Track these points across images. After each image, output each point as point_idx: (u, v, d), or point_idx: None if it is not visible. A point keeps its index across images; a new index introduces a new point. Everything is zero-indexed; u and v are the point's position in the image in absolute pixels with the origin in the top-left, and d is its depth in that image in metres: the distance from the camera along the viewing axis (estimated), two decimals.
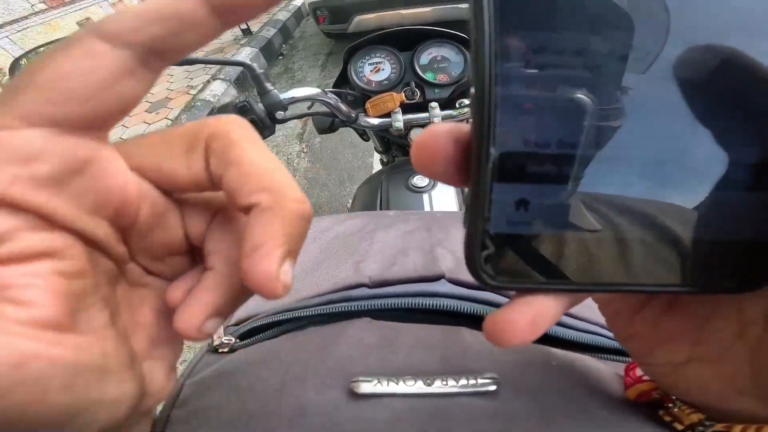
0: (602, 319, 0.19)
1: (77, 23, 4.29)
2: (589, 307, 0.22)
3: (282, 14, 4.70)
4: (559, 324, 0.28)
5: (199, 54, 3.86)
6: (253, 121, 0.57)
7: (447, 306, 0.27)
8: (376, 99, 0.73)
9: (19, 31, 3.70)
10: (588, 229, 0.12)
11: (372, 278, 0.32)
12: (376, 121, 0.75)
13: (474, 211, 0.12)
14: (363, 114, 0.76)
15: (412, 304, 0.28)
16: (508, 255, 0.12)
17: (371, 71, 0.80)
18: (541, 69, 0.11)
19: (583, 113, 0.11)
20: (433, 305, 0.27)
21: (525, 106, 0.11)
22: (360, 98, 0.80)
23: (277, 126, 0.65)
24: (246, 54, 3.57)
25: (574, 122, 0.11)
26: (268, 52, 3.89)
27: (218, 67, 3.34)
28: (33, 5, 3.90)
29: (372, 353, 0.24)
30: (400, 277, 0.31)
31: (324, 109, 0.70)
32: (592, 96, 0.11)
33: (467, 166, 0.12)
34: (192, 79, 3.23)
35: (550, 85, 0.11)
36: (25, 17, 3.80)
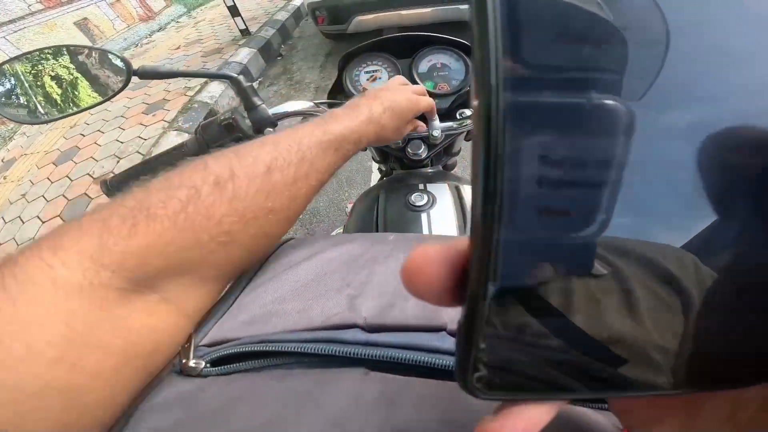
0: None
1: (74, 23, 4.28)
2: None
3: (281, 14, 4.68)
4: None
5: (194, 55, 3.86)
6: (239, 140, 0.54)
7: (450, 366, 0.25)
8: None
9: (15, 32, 3.68)
10: (582, 353, 0.12)
11: (367, 320, 0.29)
12: None
13: (468, 339, 0.12)
14: None
15: (412, 360, 0.26)
16: (501, 377, 0.12)
17: (368, 80, 0.76)
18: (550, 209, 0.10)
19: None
20: (434, 363, 0.25)
21: (526, 244, 0.11)
22: None
23: None
24: (244, 55, 3.56)
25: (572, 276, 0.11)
26: (267, 52, 3.87)
27: (216, 68, 3.32)
28: (30, 5, 3.88)
29: (371, 412, 0.23)
30: (398, 324, 0.29)
31: None
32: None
33: (462, 294, 0.11)
34: (189, 80, 3.21)
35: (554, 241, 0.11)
36: (22, 17, 3.78)
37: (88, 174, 2.36)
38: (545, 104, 0.09)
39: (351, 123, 0.44)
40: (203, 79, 3.14)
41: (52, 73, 0.60)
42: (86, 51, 0.62)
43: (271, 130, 0.58)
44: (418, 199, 0.67)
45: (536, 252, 0.11)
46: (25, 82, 0.58)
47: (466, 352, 0.12)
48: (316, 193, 0.41)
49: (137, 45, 4.83)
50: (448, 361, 0.25)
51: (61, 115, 0.60)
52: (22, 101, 0.59)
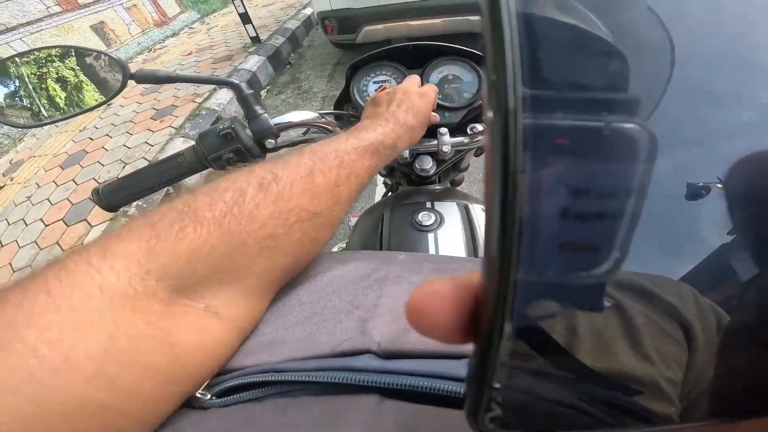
0: None
1: (91, 27, 4.35)
2: None
3: (291, 23, 4.72)
4: None
5: (205, 61, 3.90)
6: (239, 151, 0.52)
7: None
8: None
9: (33, 33, 3.73)
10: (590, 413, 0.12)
11: (381, 345, 0.28)
12: None
13: (481, 380, 0.11)
14: None
15: (436, 389, 0.24)
16: (516, 416, 0.12)
17: (376, 90, 0.71)
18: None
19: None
20: (455, 392, 0.24)
21: (541, 292, 0.10)
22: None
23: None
24: (253, 62, 3.58)
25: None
26: (276, 60, 3.89)
27: (225, 75, 3.34)
28: (48, 7, 3.94)
29: None
30: (416, 350, 0.27)
31: (321, 135, 0.63)
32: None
33: (472, 332, 0.11)
34: (198, 86, 3.23)
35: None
36: (40, 19, 3.84)
37: (93, 178, 2.36)
38: (567, 128, 0.09)
39: (384, 129, 0.45)
40: (210, 86, 3.16)
41: (48, 75, 0.58)
42: (83, 53, 0.60)
43: (272, 141, 0.55)
44: (425, 218, 0.64)
45: (556, 291, 0.10)
46: (17, 84, 0.57)
47: (479, 393, 0.11)
48: (356, 197, 0.41)
49: (150, 50, 4.89)
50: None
51: (52, 119, 0.59)
52: (16, 103, 0.57)
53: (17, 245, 2.09)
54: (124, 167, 2.39)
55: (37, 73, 0.58)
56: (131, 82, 0.54)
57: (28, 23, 3.72)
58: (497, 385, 0.11)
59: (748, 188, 0.09)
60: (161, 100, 3.11)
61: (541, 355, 0.11)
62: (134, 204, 2.05)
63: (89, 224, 2.04)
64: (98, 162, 2.51)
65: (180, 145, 2.47)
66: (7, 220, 2.31)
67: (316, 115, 0.61)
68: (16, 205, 2.41)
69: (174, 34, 5.39)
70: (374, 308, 0.32)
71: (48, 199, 2.33)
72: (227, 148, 0.52)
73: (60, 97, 0.59)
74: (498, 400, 0.11)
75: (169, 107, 3.00)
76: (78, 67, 0.59)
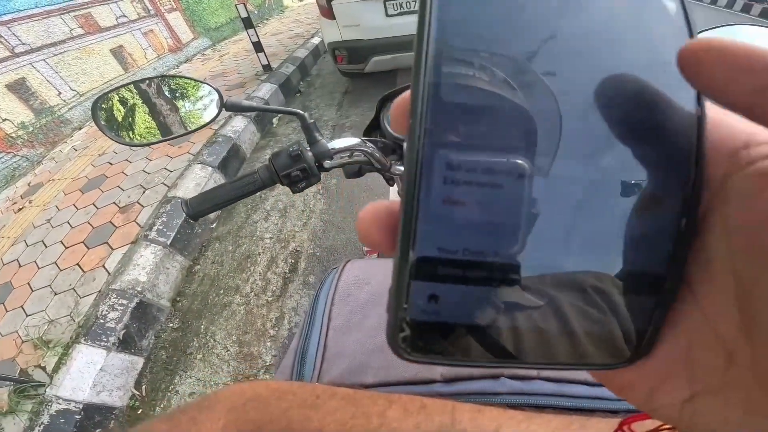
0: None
1: (110, 50, 4.48)
2: None
3: (300, 51, 4.90)
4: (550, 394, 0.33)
5: (219, 87, 3.94)
6: (303, 170, 0.61)
7: (513, 401, 0.31)
8: None
9: (55, 55, 3.81)
10: (491, 323, 0.14)
11: (443, 375, 0.35)
12: None
13: (395, 299, 0.13)
14: (396, 162, 0.78)
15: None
16: (421, 338, 0.14)
17: None
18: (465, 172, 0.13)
19: (497, 224, 0.13)
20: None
21: (449, 216, 0.13)
22: (390, 146, 0.81)
23: None
24: (266, 90, 3.72)
25: (494, 233, 0.13)
26: (287, 88, 4.04)
27: None
28: (72, 29, 4.04)
29: None
30: (467, 375, 0.35)
31: (361, 158, 0.72)
32: (511, 204, 0.13)
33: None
34: None
35: (474, 201, 0.13)
36: (63, 41, 3.92)
37: (113, 203, 2.44)
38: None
39: None
40: (240, 114, 3.28)
41: (156, 101, 0.69)
42: (183, 81, 0.70)
43: (329, 162, 0.65)
44: None
45: (447, 231, 0.13)
46: (130, 108, 0.67)
47: (394, 311, 0.13)
48: None
49: None
50: (511, 399, 0.31)
51: (156, 140, 0.68)
52: (125, 124, 0.67)
53: (36, 266, 2.15)
54: (144, 192, 2.47)
55: (151, 98, 0.68)
56: None
57: (52, 44, 3.80)
58: (406, 306, 0.13)
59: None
60: None
61: (441, 283, 0.13)
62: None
63: (110, 247, 2.11)
64: (118, 186, 2.60)
65: (198, 171, 2.57)
66: (25, 241, 2.37)
67: (359, 140, 0.71)
68: (35, 227, 2.47)
69: (187, 60, 5.56)
70: None
71: (68, 222, 2.39)
72: (295, 167, 0.61)
73: (166, 120, 0.69)
74: (407, 319, 0.13)
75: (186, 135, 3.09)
76: (174, 94, 0.70)
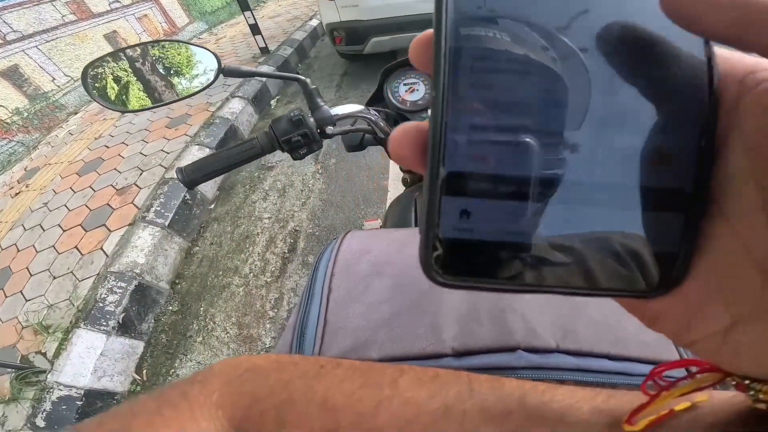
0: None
1: (104, 36, 4.43)
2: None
3: (298, 34, 4.81)
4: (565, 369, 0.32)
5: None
6: (305, 135, 0.60)
7: (531, 377, 0.30)
8: None
9: (48, 41, 3.79)
10: (524, 242, 0.14)
11: (455, 348, 0.34)
12: None
13: (427, 217, 0.13)
14: None
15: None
16: (455, 257, 0.14)
17: (406, 91, 0.82)
18: (492, 98, 0.13)
19: (528, 138, 0.13)
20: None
21: (475, 130, 0.13)
22: (393, 117, 0.82)
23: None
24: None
25: (520, 147, 0.13)
26: (285, 71, 3.95)
27: (237, 84, 3.42)
28: (63, 16, 4.01)
29: None
30: (479, 348, 0.34)
31: (364, 125, 0.72)
32: (538, 121, 0.13)
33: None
34: (211, 96, 3.30)
35: (499, 112, 0.13)
36: (55, 27, 3.90)
37: (111, 185, 2.42)
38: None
39: None
40: (228, 91, 3.23)
41: (148, 67, 0.66)
42: (181, 46, 0.68)
43: (332, 128, 0.63)
44: None
45: (478, 143, 0.13)
46: (125, 74, 0.64)
47: (426, 229, 0.13)
48: None
49: None
50: (527, 374, 0.30)
51: (151, 106, 0.66)
52: (118, 90, 0.64)
53: (34, 250, 2.13)
54: (141, 174, 2.44)
55: (143, 63, 0.65)
56: None
57: (44, 31, 3.79)
58: (438, 223, 0.13)
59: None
60: (175, 109, 3.17)
61: (472, 198, 0.13)
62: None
63: (108, 229, 2.09)
64: (115, 169, 2.57)
65: (196, 152, 2.54)
66: (23, 225, 2.36)
67: (363, 107, 0.70)
68: (32, 211, 2.45)
69: None
70: (438, 310, 0.38)
71: (65, 205, 2.37)
72: (296, 132, 0.60)
73: (161, 85, 0.66)
74: (440, 237, 0.13)
75: (183, 116, 3.06)
76: (172, 60, 0.67)
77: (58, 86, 3.84)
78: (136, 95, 0.65)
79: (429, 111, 0.15)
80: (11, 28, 3.49)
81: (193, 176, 0.60)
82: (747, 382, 0.15)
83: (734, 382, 0.15)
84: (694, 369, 0.16)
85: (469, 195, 0.13)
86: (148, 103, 0.66)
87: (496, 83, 0.13)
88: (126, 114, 3.03)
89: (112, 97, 0.64)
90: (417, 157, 0.14)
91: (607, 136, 0.13)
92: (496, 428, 0.21)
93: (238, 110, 3.04)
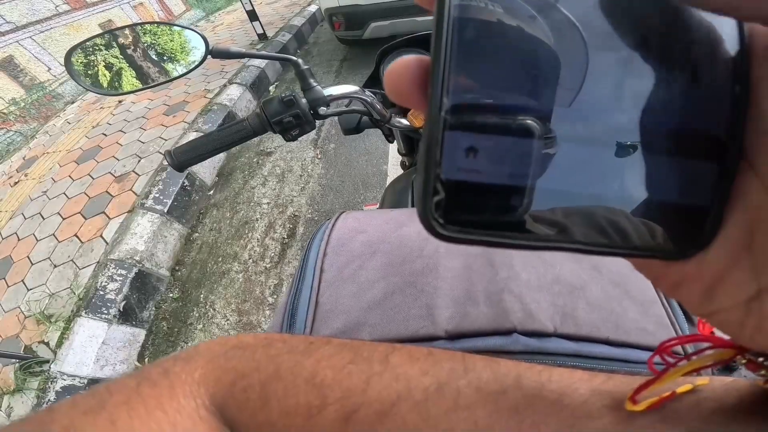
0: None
1: (99, 25, 4.38)
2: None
3: (297, 20, 4.74)
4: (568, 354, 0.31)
5: (214, 60, 3.89)
6: (297, 116, 0.58)
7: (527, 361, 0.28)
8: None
9: (42, 32, 3.77)
10: (536, 188, 0.12)
11: (448, 331, 0.33)
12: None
13: (427, 155, 0.12)
14: (396, 114, 0.75)
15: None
16: (457, 203, 0.12)
17: None
18: (495, 24, 0.12)
19: (536, 70, 0.12)
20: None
21: (481, 59, 0.12)
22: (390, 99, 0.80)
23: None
24: (261, 59, 3.60)
25: (528, 79, 0.12)
26: None
27: (235, 71, 3.38)
28: (57, 6, 3.97)
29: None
30: (474, 330, 0.33)
31: (360, 107, 0.70)
32: (544, 51, 0.12)
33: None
34: (209, 83, 3.27)
35: (505, 41, 0.12)
36: (49, 18, 3.87)
37: (109, 172, 2.40)
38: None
39: None
40: (226, 78, 3.20)
41: (133, 49, 0.64)
42: (167, 27, 0.66)
43: (324, 109, 0.62)
44: None
45: (484, 71, 0.12)
46: (110, 57, 0.62)
47: (426, 169, 0.12)
48: None
49: None
50: (519, 359, 0.28)
51: (138, 88, 0.64)
52: (104, 74, 0.63)
53: (35, 238, 2.13)
54: (139, 161, 2.43)
55: (128, 46, 0.63)
56: None
57: (38, 22, 3.75)
58: (440, 160, 0.12)
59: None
60: (172, 96, 3.14)
61: (477, 130, 0.12)
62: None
63: (107, 216, 2.08)
64: (113, 157, 2.55)
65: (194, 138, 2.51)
66: (23, 214, 2.36)
67: (358, 88, 0.67)
68: (32, 200, 2.45)
69: None
70: (434, 291, 0.36)
71: (64, 193, 2.36)
72: (288, 113, 0.58)
73: (146, 67, 0.64)
74: (442, 178, 0.12)
75: (181, 103, 3.03)
76: (158, 41, 0.65)
77: (54, 76, 3.82)
78: (121, 78, 0.63)
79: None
80: (4, 19, 3.48)
81: (182, 158, 0.58)
82: (761, 360, 0.14)
83: (744, 361, 0.15)
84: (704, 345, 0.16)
85: (476, 131, 0.12)
86: (133, 85, 0.64)
87: (514, 8, 0.12)
88: (114, 97, 3.00)
89: (97, 80, 0.62)
90: (417, 92, 0.13)
91: (634, 77, 0.12)
92: (491, 406, 0.20)
93: (236, 96, 3.00)
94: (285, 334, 0.28)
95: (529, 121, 0.12)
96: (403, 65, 0.13)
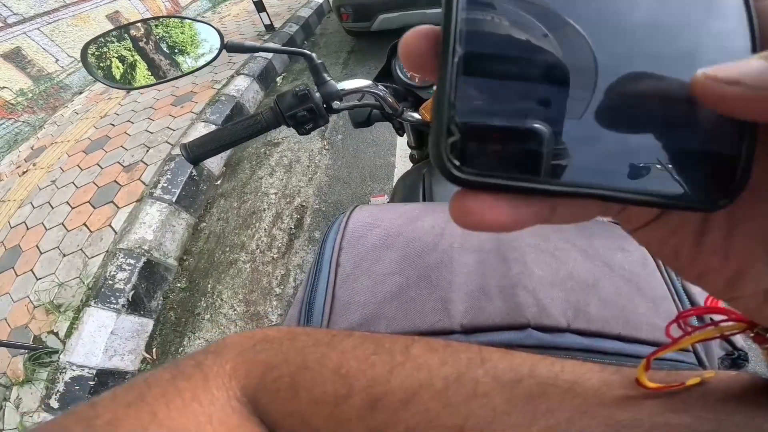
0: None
1: (106, 16, 4.38)
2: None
3: (304, 11, 4.72)
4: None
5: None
6: (310, 110, 0.58)
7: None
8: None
9: (49, 23, 3.76)
10: (554, 130, 0.12)
11: (463, 325, 0.34)
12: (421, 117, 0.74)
13: (441, 100, 0.12)
14: (407, 108, 0.75)
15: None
16: (473, 144, 0.12)
17: None
18: None
19: (546, 18, 0.12)
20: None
21: (491, 7, 0.12)
22: (401, 92, 0.80)
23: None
24: None
25: (538, 24, 0.12)
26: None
27: (242, 62, 3.36)
28: None
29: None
30: (489, 325, 0.34)
31: (372, 101, 0.70)
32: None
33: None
34: (216, 73, 3.26)
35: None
36: (56, 9, 3.87)
37: (118, 162, 2.41)
38: None
39: None
40: (234, 69, 3.19)
41: (150, 44, 0.65)
42: (182, 23, 0.66)
43: (338, 103, 0.62)
44: None
45: (500, 8, 0.12)
46: (126, 52, 0.64)
47: (440, 112, 0.12)
48: None
49: None
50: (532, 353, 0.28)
51: (153, 83, 0.65)
52: (119, 68, 0.64)
53: (44, 227, 2.14)
54: (147, 151, 2.43)
55: (144, 41, 0.64)
56: None
57: (45, 13, 3.75)
58: (454, 101, 0.12)
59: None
60: (180, 87, 3.14)
61: (492, 75, 0.12)
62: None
63: (116, 206, 2.08)
64: (122, 147, 2.55)
65: (202, 129, 2.51)
66: (32, 203, 2.37)
67: (371, 83, 0.67)
68: (40, 189, 2.46)
69: None
70: (449, 285, 0.37)
71: (73, 183, 2.37)
72: (302, 107, 0.58)
73: (163, 62, 0.65)
74: (456, 120, 0.12)
75: (189, 94, 3.03)
76: (174, 36, 0.66)
77: (62, 67, 3.82)
78: (138, 72, 0.64)
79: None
80: (11, 11, 3.47)
81: (197, 152, 0.59)
82: None
83: (752, 334, 0.16)
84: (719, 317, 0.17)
85: (490, 75, 0.12)
86: (150, 80, 0.65)
87: None
88: (130, 92, 3.01)
89: (114, 75, 0.63)
90: (432, 58, 0.13)
91: (659, 21, 0.12)
92: (508, 394, 0.21)
93: (243, 87, 2.99)
94: (307, 328, 0.29)
95: (557, 67, 0.12)
96: (419, 31, 0.13)
